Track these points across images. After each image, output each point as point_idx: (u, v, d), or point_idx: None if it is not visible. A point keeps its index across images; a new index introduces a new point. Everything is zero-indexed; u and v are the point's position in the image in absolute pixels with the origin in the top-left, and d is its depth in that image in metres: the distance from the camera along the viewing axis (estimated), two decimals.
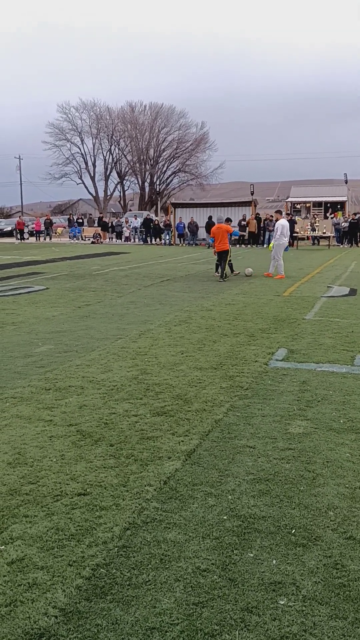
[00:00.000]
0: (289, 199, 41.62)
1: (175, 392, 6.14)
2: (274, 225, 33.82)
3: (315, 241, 35.10)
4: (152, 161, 77.48)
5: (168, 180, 77.27)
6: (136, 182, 78.21)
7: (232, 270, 17.85)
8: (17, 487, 4.05)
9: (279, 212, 19.58)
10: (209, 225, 31.19)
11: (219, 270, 17.11)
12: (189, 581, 3.01)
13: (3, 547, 3.32)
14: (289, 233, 18.07)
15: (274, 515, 3.66)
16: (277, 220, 18.26)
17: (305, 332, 9.23)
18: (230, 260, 18.07)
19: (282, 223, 17.59)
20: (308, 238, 35.57)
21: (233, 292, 13.90)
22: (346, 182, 40.10)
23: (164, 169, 78.40)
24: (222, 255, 16.96)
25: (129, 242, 38.91)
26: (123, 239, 39.65)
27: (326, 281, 16.36)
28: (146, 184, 77.80)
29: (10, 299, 13.05)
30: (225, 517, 3.63)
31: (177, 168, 77.98)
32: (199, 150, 76.74)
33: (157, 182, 77.93)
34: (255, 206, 34.72)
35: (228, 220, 19.06)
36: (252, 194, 37.77)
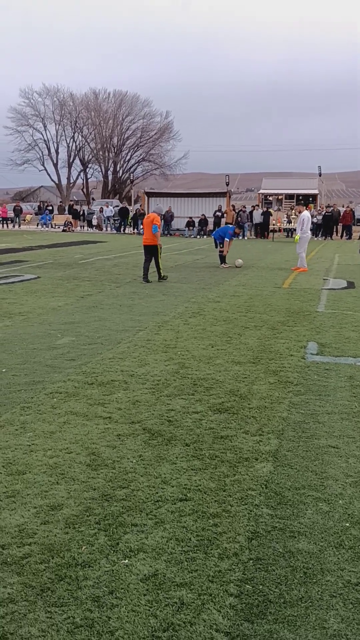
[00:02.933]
0: (261, 191, 41.68)
1: (227, 388, 5.90)
2: (247, 217, 33.87)
3: (289, 233, 35.21)
4: (115, 149, 76.51)
5: (132, 169, 76.42)
6: (99, 170, 77.15)
7: (222, 262, 17.62)
8: (109, 491, 3.75)
9: (302, 204, 19.15)
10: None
11: (157, 272, 14.14)
12: (347, 597, 2.79)
13: (127, 560, 3.03)
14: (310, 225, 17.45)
15: None
16: (299, 212, 17.73)
17: (325, 325, 9.10)
18: (221, 252, 17.72)
19: (308, 215, 17.08)
20: (280, 230, 35.69)
21: (232, 284, 13.70)
22: (320, 175, 40.35)
23: (128, 157, 77.54)
24: (148, 252, 14.09)
25: (101, 231, 38.26)
26: (94, 228, 38.98)
27: (318, 273, 16.33)
28: (109, 172, 76.81)
29: (5, 288, 12.54)
30: (347, 524, 3.42)
31: (141, 157, 77.22)
32: (163, 139, 76.15)
33: (120, 171, 77.04)
34: (230, 197, 34.58)
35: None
36: (227, 185, 37.62)
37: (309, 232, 17.18)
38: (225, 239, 17.39)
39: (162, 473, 4.02)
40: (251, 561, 3.05)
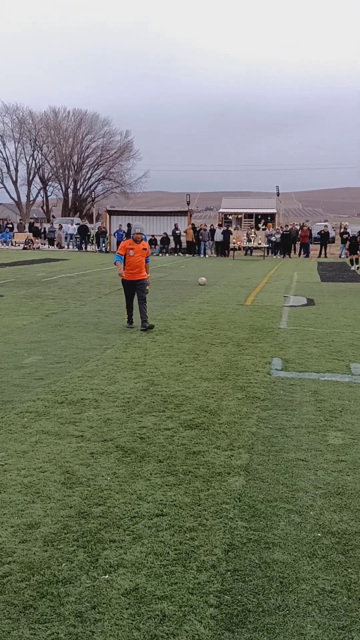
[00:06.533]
0: (221, 210, 42.23)
1: (196, 404, 6.00)
2: (208, 235, 34.27)
3: (248, 252, 35.73)
4: (75, 167, 76.51)
5: (92, 187, 76.46)
6: (59, 188, 76.96)
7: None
8: (85, 509, 3.79)
9: None
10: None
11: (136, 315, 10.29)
12: (321, 604, 2.90)
13: (107, 576, 3.08)
14: None
15: None
16: None
17: (288, 341, 9.30)
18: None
19: None
20: (240, 249, 36.15)
21: (196, 301, 13.86)
22: (278, 194, 41.15)
23: (88, 175, 77.62)
24: (136, 288, 10.21)
25: (61, 249, 38.08)
26: (55, 245, 38.79)
27: (279, 291, 16.63)
28: (70, 190, 76.69)
29: None
30: (319, 535, 3.54)
31: (102, 175, 77.40)
32: (123, 158, 76.54)
33: (81, 189, 77.03)
34: (191, 216, 34.94)
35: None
36: (188, 204, 38.00)
37: None
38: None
39: (137, 489, 4.08)
40: (229, 572, 3.14)
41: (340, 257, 32.96)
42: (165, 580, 3.05)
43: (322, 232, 35.16)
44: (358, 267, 25.51)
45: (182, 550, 3.34)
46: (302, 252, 34.61)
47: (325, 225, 38.64)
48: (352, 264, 26.35)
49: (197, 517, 3.72)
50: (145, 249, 10.37)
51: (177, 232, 34.14)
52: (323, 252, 34.11)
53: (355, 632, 2.70)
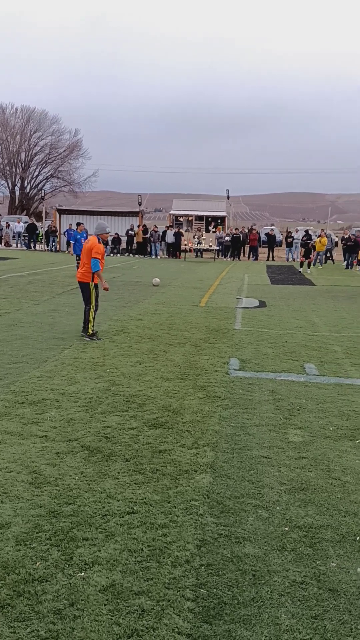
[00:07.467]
0: (172, 212, 42.34)
1: (159, 404, 6.05)
2: (159, 237, 34.33)
3: (198, 254, 35.98)
4: (23, 165, 75.40)
5: (40, 186, 75.51)
6: (6, 185, 75.65)
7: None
8: (55, 508, 3.79)
9: None
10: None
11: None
12: (294, 595, 3.00)
13: (83, 573, 3.09)
14: None
15: (331, 524, 3.74)
16: None
17: (244, 342, 9.46)
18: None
19: None
20: (190, 250, 36.36)
21: (152, 302, 13.89)
22: (228, 197, 41.59)
23: (36, 173, 76.63)
24: (84, 292, 9.62)
25: (10, 247, 37.41)
26: (3, 243, 38.06)
27: (231, 292, 16.84)
28: (17, 188, 75.52)
29: None
30: (287, 529, 3.65)
31: (50, 174, 76.55)
32: (72, 157, 75.93)
33: (28, 187, 75.99)
34: (142, 216, 34.91)
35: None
36: (139, 205, 37.93)
37: None
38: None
39: (106, 488, 4.10)
40: (202, 567, 3.20)
41: (287, 260, 33.60)
42: (141, 576, 3.09)
43: (269, 234, 35.69)
44: (309, 271, 26.06)
45: (156, 546, 3.38)
46: (251, 255, 35.10)
47: (272, 229, 39.23)
48: (301, 266, 26.91)
49: (168, 514, 3.77)
50: None
51: (131, 232, 34.04)
52: (271, 255, 34.67)
53: (327, 621, 2.81)
